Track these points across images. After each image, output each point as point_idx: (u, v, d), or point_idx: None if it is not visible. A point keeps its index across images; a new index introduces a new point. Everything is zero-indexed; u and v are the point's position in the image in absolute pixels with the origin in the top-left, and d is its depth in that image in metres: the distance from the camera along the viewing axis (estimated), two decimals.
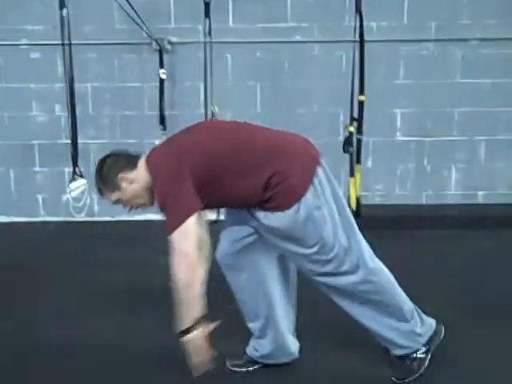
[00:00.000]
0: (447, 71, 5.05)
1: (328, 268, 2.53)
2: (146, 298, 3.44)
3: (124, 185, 2.52)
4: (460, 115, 5.12)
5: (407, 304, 2.64)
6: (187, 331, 2.32)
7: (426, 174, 5.23)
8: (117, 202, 2.58)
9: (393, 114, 5.12)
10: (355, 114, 4.40)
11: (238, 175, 2.45)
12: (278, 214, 2.44)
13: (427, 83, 5.06)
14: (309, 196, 2.43)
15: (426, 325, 2.67)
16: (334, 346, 2.92)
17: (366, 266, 2.55)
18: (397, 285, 2.65)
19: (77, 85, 4.73)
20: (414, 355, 2.66)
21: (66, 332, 3.10)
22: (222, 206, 2.68)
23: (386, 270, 2.63)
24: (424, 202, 5.26)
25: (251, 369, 2.79)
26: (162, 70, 4.82)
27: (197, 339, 2.32)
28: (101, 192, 2.59)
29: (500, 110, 5.09)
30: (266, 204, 2.47)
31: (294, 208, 2.43)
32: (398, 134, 5.16)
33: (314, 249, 2.49)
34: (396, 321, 2.62)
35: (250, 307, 2.72)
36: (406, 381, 2.64)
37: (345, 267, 2.53)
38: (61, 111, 4.98)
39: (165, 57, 4.90)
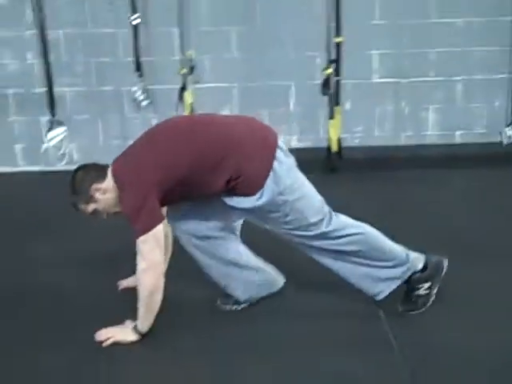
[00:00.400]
0: (423, 11, 5.02)
1: (307, 233, 2.68)
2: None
3: (98, 195, 2.61)
4: (436, 55, 5.11)
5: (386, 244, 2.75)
6: (139, 333, 2.58)
7: (403, 115, 5.24)
8: (93, 212, 2.68)
9: (369, 56, 5.09)
10: (332, 57, 4.41)
11: (201, 175, 2.56)
12: (241, 198, 2.59)
13: (403, 24, 5.02)
14: (270, 183, 2.55)
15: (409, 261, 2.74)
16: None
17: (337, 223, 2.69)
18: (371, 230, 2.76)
19: (48, 32, 4.66)
20: (417, 292, 2.74)
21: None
22: (189, 200, 2.75)
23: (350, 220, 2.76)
24: (403, 143, 5.30)
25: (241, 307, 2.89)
26: (134, 16, 4.70)
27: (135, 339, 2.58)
28: (76, 206, 2.67)
29: (475, 49, 5.09)
30: (231, 192, 2.60)
31: (257, 195, 2.56)
32: (374, 75, 5.15)
33: (287, 226, 2.66)
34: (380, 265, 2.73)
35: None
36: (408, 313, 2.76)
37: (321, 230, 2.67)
38: (33, 59, 4.88)
39: (138, 0, 4.78)
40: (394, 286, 2.74)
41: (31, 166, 5.11)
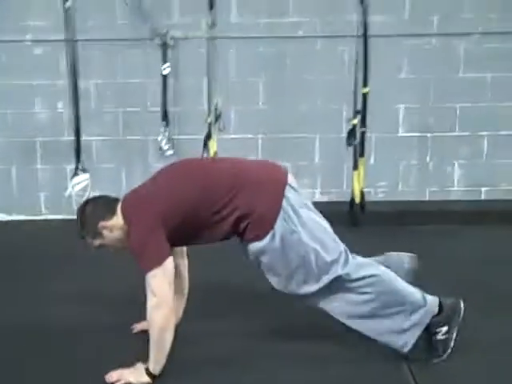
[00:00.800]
0: (449, 65, 5.04)
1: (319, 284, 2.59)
2: None
3: (105, 232, 2.63)
4: (462, 110, 5.11)
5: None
6: (152, 375, 2.50)
7: (428, 170, 5.20)
8: (100, 246, 2.69)
9: (395, 109, 5.10)
10: (358, 108, 4.43)
11: (209, 215, 2.55)
12: (256, 243, 2.55)
13: (429, 78, 5.05)
14: (280, 222, 2.51)
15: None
16: None
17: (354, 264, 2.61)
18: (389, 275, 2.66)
19: (79, 81, 4.78)
20: (436, 337, 2.61)
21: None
22: (200, 242, 2.71)
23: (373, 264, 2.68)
24: (427, 198, 5.25)
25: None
26: (165, 65, 4.81)
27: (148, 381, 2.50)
28: (83, 238, 2.69)
29: (502, 105, 5.08)
30: (245, 236, 2.58)
31: (269, 236, 2.52)
32: (400, 129, 5.15)
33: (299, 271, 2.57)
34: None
35: None
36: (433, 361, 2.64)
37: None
38: (63, 108, 4.98)
39: (168, 52, 4.89)
40: (417, 332, 2.61)
41: (53, 214, 5.14)
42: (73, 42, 4.73)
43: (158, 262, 2.45)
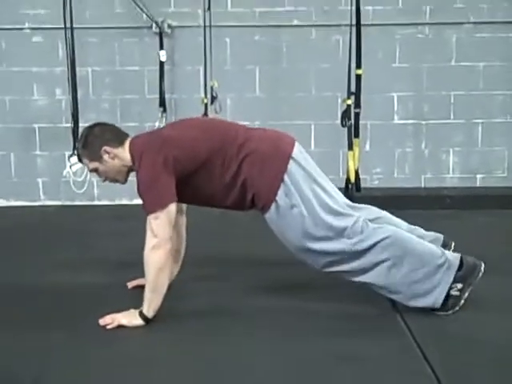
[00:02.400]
0: (442, 54, 5.13)
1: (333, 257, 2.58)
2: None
3: (106, 157, 2.62)
4: (456, 98, 5.18)
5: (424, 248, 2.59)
6: (145, 318, 2.49)
7: (423, 157, 5.26)
8: (93, 171, 2.69)
9: (390, 98, 5.18)
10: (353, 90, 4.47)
11: (219, 170, 2.58)
12: (265, 214, 2.61)
13: (423, 66, 5.14)
14: (281, 195, 2.55)
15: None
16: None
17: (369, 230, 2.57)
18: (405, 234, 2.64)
19: (78, 69, 4.82)
20: (449, 292, 2.54)
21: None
22: (208, 203, 2.75)
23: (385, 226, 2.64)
24: (423, 185, 5.29)
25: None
26: (162, 52, 4.89)
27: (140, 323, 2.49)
28: (80, 158, 2.71)
29: (495, 93, 5.16)
30: (256, 207, 2.63)
31: (273, 207, 2.56)
32: (395, 117, 5.21)
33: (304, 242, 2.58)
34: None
35: None
36: (437, 313, 2.57)
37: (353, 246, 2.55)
38: (61, 95, 5.05)
39: (164, 40, 4.98)
40: (444, 290, 2.51)
41: (52, 200, 5.19)
42: (71, 29, 4.79)
43: (163, 204, 2.46)
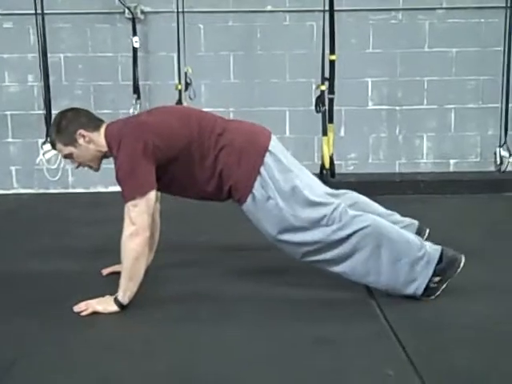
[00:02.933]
0: (415, 40, 5.15)
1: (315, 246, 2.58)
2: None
3: (81, 141, 2.60)
4: (429, 84, 5.21)
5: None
6: (120, 304, 2.48)
7: (398, 142, 5.29)
8: (67, 156, 2.66)
9: (364, 83, 5.19)
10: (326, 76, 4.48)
11: (198, 159, 2.58)
12: (244, 206, 2.62)
13: (396, 52, 5.15)
14: (258, 187, 2.56)
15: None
16: None
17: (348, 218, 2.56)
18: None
19: (50, 55, 4.76)
20: (427, 285, 2.53)
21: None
22: (186, 193, 2.75)
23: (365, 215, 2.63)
24: (397, 170, 5.32)
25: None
26: (135, 38, 4.83)
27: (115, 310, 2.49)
28: (53, 144, 2.66)
29: (467, 78, 5.20)
30: (233, 198, 2.65)
31: (249, 199, 2.58)
32: (369, 102, 5.23)
33: (282, 235, 2.59)
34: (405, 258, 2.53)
35: None
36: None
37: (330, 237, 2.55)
38: (34, 81, 4.99)
39: (138, 27, 4.92)
40: (425, 280, 2.52)
41: (25, 188, 5.14)
42: (42, 15, 4.72)
43: (142, 192, 2.45)
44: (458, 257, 2.56)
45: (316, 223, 2.56)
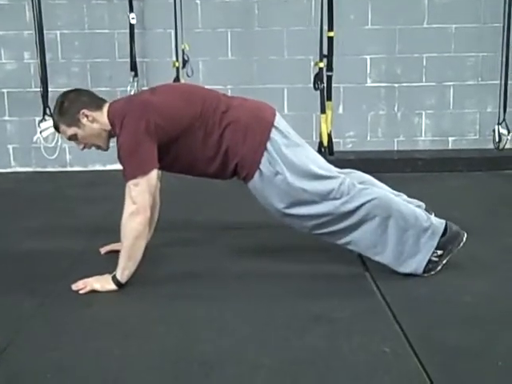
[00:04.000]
0: (414, 16, 5.10)
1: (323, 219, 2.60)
2: None
3: (84, 121, 2.58)
4: (428, 60, 5.17)
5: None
6: (118, 282, 2.49)
7: (396, 120, 5.27)
8: (72, 137, 2.64)
9: (362, 60, 5.15)
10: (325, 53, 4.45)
11: (201, 137, 2.56)
12: (250, 183, 2.62)
13: (395, 28, 5.11)
14: (265, 163, 2.55)
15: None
16: None
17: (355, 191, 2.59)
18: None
19: (46, 32, 4.71)
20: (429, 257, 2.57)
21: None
22: (191, 171, 2.74)
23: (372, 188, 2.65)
24: (395, 148, 5.31)
25: None
26: (131, 15, 4.79)
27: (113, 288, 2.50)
28: (57, 126, 2.65)
29: (466, 55, 5.16)
30: (239, 176, 2.64)
31: (257, 175, 2.58)
32: (368, 79, 5.20)
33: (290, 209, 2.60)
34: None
35: None
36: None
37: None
38: (30, 59, 4.94)
39: (134, 3, 4.87)
40: (428, 254, 2.57)
41: (23, 166, 5.13)
42: None
43: (144, 171, 2.44)
44: (460, 232, 2.62)
45: (325, 196, 2.58)
